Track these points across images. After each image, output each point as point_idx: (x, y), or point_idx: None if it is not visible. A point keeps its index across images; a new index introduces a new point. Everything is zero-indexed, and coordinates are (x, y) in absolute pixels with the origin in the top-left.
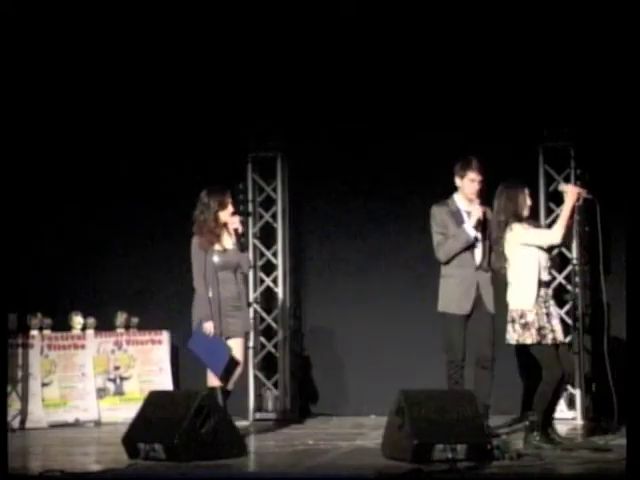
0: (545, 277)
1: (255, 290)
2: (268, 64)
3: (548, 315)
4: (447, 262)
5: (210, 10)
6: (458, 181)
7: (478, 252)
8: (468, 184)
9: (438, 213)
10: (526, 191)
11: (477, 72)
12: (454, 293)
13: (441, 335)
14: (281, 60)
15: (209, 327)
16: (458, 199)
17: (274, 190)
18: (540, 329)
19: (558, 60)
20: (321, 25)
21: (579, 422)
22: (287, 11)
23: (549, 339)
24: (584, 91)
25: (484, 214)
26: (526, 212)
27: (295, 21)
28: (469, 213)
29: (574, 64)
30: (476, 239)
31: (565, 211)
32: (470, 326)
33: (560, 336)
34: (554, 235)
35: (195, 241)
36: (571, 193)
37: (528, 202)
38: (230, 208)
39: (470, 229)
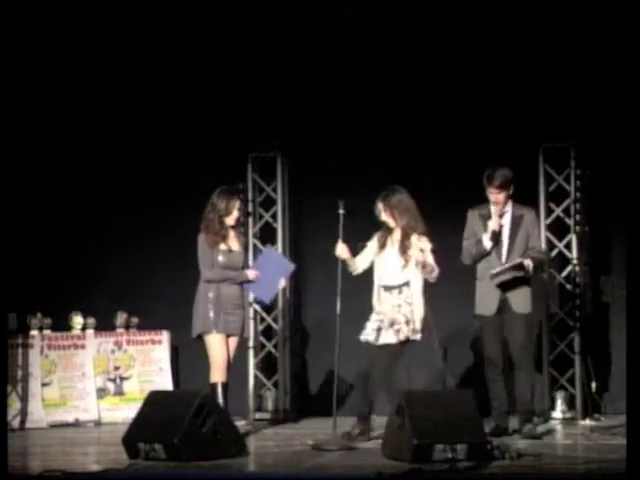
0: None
1: None
2: (268, 64)
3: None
4: (470, 264)
5: (211, 11)
6: (485, 189)
7: (504, 253)
8: (490, 195)
9: (470, 217)
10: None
11: (477, 72)
12: (481, 294)
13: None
14: (281, 60)
15: (252, 273)
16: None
17: (274, 190)
18: None
19: (558, 60)
20: (321, 26)
21: (579, 422)
22: (288, 12)
23: None
24: (584, 91)
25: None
26: None
27: (295, 22)
28: (502, 216)
29: (574, 64)
30: (492, 248)
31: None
32: (502, 327)
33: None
34: None
35: (201, 237)
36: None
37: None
38: (235, 214)
39: (486, 241)
